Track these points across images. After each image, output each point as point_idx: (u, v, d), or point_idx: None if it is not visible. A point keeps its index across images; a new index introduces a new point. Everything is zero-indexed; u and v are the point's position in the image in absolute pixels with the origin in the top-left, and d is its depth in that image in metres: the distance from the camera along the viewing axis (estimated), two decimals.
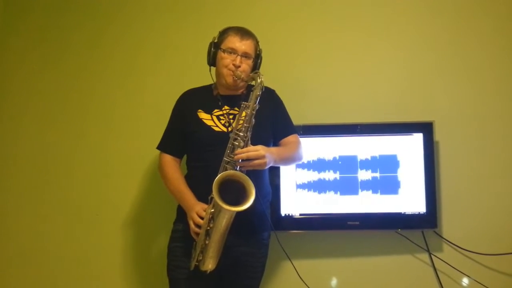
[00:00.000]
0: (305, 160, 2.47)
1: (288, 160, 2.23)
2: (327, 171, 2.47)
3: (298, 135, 2.29)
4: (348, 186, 2.46)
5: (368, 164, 2.47)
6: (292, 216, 2.47)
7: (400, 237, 2.52)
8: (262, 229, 2.17)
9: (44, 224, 2.68)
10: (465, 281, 2.52)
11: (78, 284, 2.65)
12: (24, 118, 2.75)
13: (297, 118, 2.51)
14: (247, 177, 1.91)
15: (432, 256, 2.53)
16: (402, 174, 2.46)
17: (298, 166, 2.47)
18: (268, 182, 2.22)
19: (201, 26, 2.68)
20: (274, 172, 2.43)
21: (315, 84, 2.65)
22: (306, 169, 2.48)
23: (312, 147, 2.48)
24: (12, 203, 2.71)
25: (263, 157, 1.97)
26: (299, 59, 2.67)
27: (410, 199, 2.45)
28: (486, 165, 2.55)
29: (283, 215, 2.46)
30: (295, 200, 2.48)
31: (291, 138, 2.24)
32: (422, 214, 2.44)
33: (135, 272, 2.65)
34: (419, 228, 2.49)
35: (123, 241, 2.66)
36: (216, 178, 1.89)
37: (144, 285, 2.64)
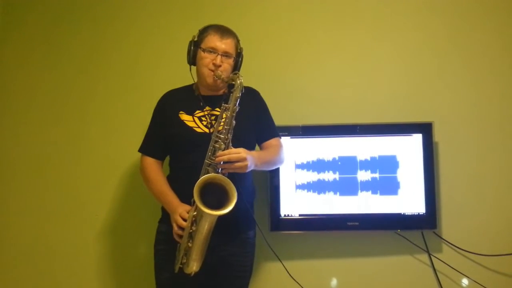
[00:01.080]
0: (304, 160, 2.47)
1: (269, 164, 2.19)
2: (326, 171, 2.47)
3: (297, 136, 2.28)
4: (347, 187, 2.46)
5: (368, 164, 2.46)
6: (291, 216, 2.47)
7: (400, 237, 2.52)
8: (247, 228, 2.16)
9: (44, 224, 2.67)
10: (465, 281, 2.52)
11: (78, 283, 2.65)
12: (24, 118, 2.74)
13: (297, 118, 2.53)
14: (228, 180, 1.89)
15: (432, 257, 2.53)
16: (401, 174, 2.46)
17: (297, 166, 2.48)
18: (252, 181, 2.21)
19: (202, 26, 2.68)
20: (274, 172, 2.43)
21: (315, 84, 2.65)
22: (305, 170, 2.48)
23: (312, 148, 2.48)
24: (12, 203, 2.70)
25: (244, 159, 1.94)
26: (298, 59, 2.67)
27: (410, 199, 2.45)
28: (485, 166, 2.56)
29: (282, 215, 2.46)
30: (295, 200, 2.47)
31: (273, 141, 2.22)
32: (421, 214, 2.44)
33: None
34: (419, 229, 2.49)
35: (116, 241, 2.66)
36: (197, 182, 1.87)
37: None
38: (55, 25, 2.78)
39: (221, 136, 1.97)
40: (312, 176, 2.48)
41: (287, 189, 2.47)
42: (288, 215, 2.47)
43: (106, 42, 2.75)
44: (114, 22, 2.76)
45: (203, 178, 1.90)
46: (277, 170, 2.44)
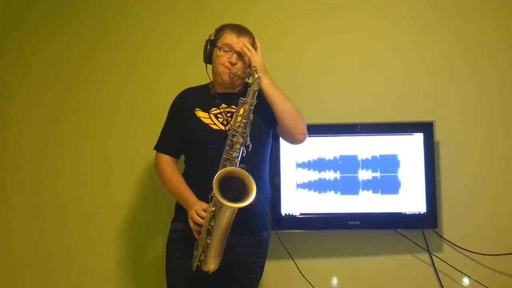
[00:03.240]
0: (305, 159, 2.47)
1: (284, 102, 2.07)
2: (327, 170, 2.47)
3: None
4: (348, 186, 2.46)
5: (369, 164, 2.46)
6: (292, 215, 2.47)
7: (401, 237, 2.52)
8: (261, 229, 2.16)
9: (44, 224, 2.68)
10: (465, 281, 2.52)
11: (78, 283, 2.65)
12: (25, 118, 2.75)
13: None
14: (247, 173, 1.88)
15: (432, 256, 2.53)
16: (402, 174, 2.46)
17: (298, 165, 2.48)
18: (268, 182, 2.21)
19: (202, 26, 2.65)
20: (275, 171, 2.44)
21: (316, 83, 2.65)
22: (306, 169, 2.48)
23: (313, 147, 2.48)
24: (12, 202, 2.71)
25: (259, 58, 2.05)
26: (299, 59, 2.67)
27: (411, 199, 2.45)
28: (486, 165, 2.55)
29: (283, 214, 2.46)
30: (296, 199, 2.47)
31: None
32: (422, 214, 2.44)
33: (133, 271, 2.65)
34: (420, 228, 2.49)
35: (122, 241, 2.66)
36: (216, 175, 1.86)
37: (141, 284, 2.64)
38: (56, 24, 2.78)
39: (239, 130, 1.96)
40: (313, 175, 2.48)
41: (288, 188, 2.47)
42: (289, 214, 2.47)
43: (107, 41, 2.76)
44: (115, 21, 2.76)
45: (222, 171, 1.89)
46: (278, 169, 2.44)
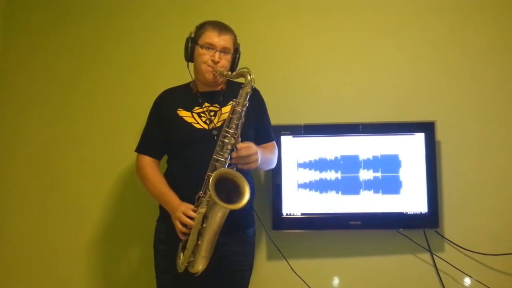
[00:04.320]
0: (306, 159, 2.47)
1: (266, 163, 2.17)
2: (328, 170, 2.47)
3: (300, 135, 2.27)
4: (349, 186, 2.46)
5: (370, 163, 2.46)
6: (293, 215, 2.47)
7: (402, 237, 2.52)
8: (246, 227, 2.15)
9: (44, 224, 2.68)
10: (467, 281, 2.52)
11: (78, 283, 2.65)
12: (26, 117, 2.75)
13: (299, 117, 2.53)
14: (240, 175, 1.88)
15: (434, 256, 2.53)
16: (403, 174, 2.45)
17: (299, 165, 2.47)
18: (252, 179, 2.19)
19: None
20: (276, 171, 2.44)
21: (317, 83, 2.65)
22: (307, 169, 2.48)
23: (314, 147, 2.48)
24: (13, 201, 2.71)
25: (256, 153, 1.95)
26: (300, 58, 2.67)
27: (412, 199, 2.45)
28: (487, 165, 2.55)
29: (284, 214, 2.46)
30: (297, 199, 2.47)
31: (270, 144, 2.22)
32: (423, 214, 2.44)
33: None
34: (421, 228, 2.49)
35: (125, 241, 2.66)
36: (212, 176, 1.85)
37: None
38: (57, 23, 2.78)
39: (230, 131, 1.95)
40: (314, 175, 2.47)
41: (289, 188, 2.47)
42: (290, 214, 2.47)
43: (108, 40, 2.75)
44: (116, 21, 2.76)
45: (218, 171, 1.88)
46: (279, 169, 2.44)
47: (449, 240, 2.52)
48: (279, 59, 2.58)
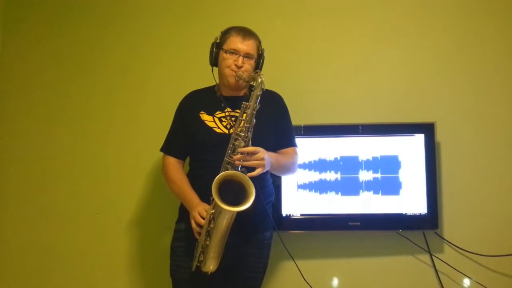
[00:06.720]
0: (306, 160, 2.47)
1: (283, 168, 2.19)
2: (328, 171, 2.47)
3: (299, 135, 2.27)
4: (349, 187, 2.46)
5: (370, 164, 2.46)
6: (293, 216, 2.47)
7: (401, 238, 2.52)
8: (263, 229, 2.17)
9: (44, 224, 2.68)
10: (466, 282, 2.52)
11: (79, 284, 2.65)
12: (25, 117, 2.75)
13: (299, 118, 2.51)
14: (247, 177, 1.90)
15: (433, 257, 2.53)
16: (403, 175, 2.46)
17: (299, 166, 2.46)
18: (271, 182, 2.22)
19: (203, 26, 2.68)
20: None
21: (317, 84, 2.65)
22: (307, 170, 2.48)
23: (314, 148, 2.48)
24: (13, 201, 2.71)
25: (262, 159, 1.96)
26: (300, 59, 2.67)
27: (411, 200, 2.45)
28: (487, 166, 2.55)
29: (284, 215, 2.46)
30: (296, 200, 2.47)
31: (290, 149, 2.22)
32: (423, 215, 2.44)
33: (137, 272, 2.65)
34: (420, 229, 2.49)
35: (124, 241, 2.66)
36: (215, 178, 1.88)
37: (147, 285, 2.64)
38: (56, 23, 2.78)
39: (241, 134, 1.97)
40: (314, 176, 2.48)
41: (289, 188, 2.47)
42: (289, 215, 2.47)
43: (107, 40, 2.76)
44: (115, 21, 2.76)
45: (221, 174, 1.91)
46: None
47: (448, 241, 2.53)
48: (279, 60, 2.58)
